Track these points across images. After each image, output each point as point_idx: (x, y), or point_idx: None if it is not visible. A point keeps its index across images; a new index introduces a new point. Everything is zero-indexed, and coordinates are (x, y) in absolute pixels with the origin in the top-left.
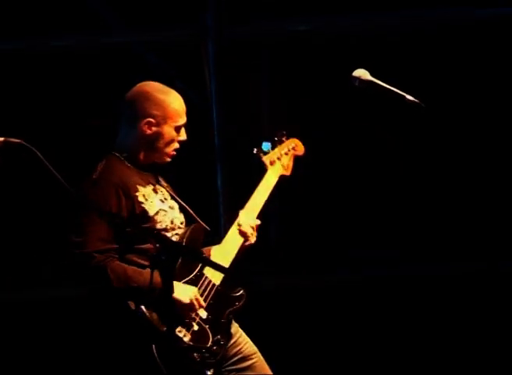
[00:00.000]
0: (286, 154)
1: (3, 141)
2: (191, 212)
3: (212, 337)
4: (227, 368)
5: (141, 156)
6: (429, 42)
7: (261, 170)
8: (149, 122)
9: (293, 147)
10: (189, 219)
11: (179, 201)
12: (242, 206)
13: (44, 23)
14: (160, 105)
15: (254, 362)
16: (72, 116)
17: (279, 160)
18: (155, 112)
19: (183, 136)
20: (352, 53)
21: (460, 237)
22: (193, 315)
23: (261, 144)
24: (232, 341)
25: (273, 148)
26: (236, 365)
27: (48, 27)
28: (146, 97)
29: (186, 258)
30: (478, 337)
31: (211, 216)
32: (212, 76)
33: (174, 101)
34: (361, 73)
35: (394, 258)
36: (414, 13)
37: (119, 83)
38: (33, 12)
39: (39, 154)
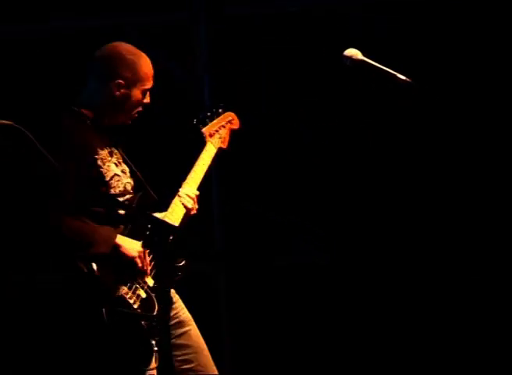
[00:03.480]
0: (224, 127)
1: None
2: (141, 177)
3: (158, 307)
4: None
5: (106, 116)
6: (422, 21)
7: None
8: (119, 83)
9: (229, 120)
10: (138, 184)
11: (131, 165)
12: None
13: (33, 7)
14: (131, 67)
15: (189, 330)
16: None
17: (217, 132)
18: (126, 74)
19: (147, 99)
20: (340, 33)
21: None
22: (141, 280)
23: (199, 116)
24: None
25: (211, 120)
26: (173, 330)
27: (36, 11)
28: (118, 58)
29: (135, 223)
30: None
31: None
32: (204, 55)
33: (144, 65)
34: (353, 53)
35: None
36: None
37: None
38: None
39: (29, 135)
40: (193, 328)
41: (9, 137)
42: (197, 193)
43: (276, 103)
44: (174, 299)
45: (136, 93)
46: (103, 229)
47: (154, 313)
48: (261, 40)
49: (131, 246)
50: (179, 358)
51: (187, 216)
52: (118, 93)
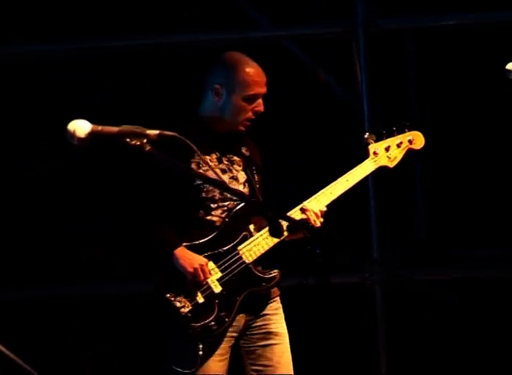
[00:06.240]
0: (399, 146)
1: (158, 134)
2: (255, 188)
3: (217, 313)
4: (249, 337)
5: (215, 123)
6: None
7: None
8: (216, 89)
9: (409, 140)
10: (252, 194)
11: (251, 174)
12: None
13: (191, 20)
14: (230, 73)
15: (275, 344)
16: None
17: (386, 151)
18: (224, 80)
19: (258, 107)
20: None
21: None
22: (204, 287)
23: (375, 131)
24: (263, 313)
25: (387, 137)
26: (257, 338)
27: (195, 24)
28: (220, 65)
29: (224, 231)
30: None
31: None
32: (363, 70)
33: (245, 71)
34: None
35: None
36: None
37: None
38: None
39: (193, 146)
40: (281, 344)
41: (173, 148)
42: (324, 209)
43: (429, 120)
44: (274, 311)
45: (236, 99)
46: (171, 239)
47: (208, 320)
48: (417, 54)
49: (188, 261)
50: (254, 367)
51: (307, 229)
52: (217, 98)
